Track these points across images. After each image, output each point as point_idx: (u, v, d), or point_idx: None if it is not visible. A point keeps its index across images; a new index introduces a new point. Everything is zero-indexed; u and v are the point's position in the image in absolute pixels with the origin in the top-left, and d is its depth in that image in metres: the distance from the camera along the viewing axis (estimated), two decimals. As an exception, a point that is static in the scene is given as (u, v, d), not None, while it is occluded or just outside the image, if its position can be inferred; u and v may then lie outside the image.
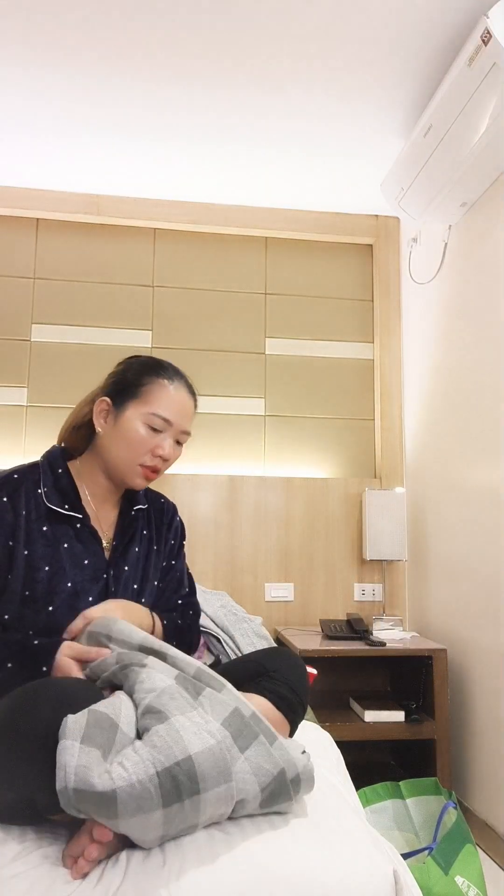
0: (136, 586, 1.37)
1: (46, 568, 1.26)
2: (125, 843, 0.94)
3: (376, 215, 3.02)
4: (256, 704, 1.19)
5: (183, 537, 1.54)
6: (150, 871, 0.88)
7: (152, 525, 1.46)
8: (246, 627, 2.15)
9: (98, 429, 1.35)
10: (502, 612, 2.05)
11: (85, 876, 0.89)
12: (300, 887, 0.88)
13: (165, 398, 1.35)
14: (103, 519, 1.38)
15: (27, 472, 1.32)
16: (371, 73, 2.10)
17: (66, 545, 1.28)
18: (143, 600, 1.38)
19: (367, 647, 2.30)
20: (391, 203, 2.46)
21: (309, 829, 0.98)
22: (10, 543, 1.26)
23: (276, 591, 2.73)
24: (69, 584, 1.26)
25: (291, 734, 1.28)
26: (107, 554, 1.34)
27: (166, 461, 1.36)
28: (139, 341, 2.87)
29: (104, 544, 1.35)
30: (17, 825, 1.03)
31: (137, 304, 2.91)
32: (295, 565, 2.76)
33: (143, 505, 1.46)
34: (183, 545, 1.54)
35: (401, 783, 2.03)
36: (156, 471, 1.36)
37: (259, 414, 2.91)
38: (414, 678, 2.40)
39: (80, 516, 1.31)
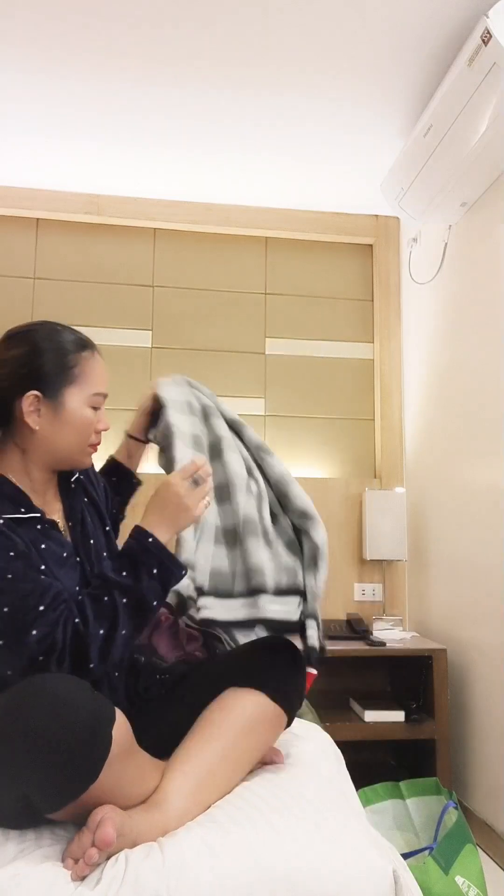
0: (105, 553, 1.33)
1: (42, 568, 1.20)
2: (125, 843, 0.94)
3: (376, 215, 3.02)
4: (252, 700, 1.20)
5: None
6: (149, 871, 0.88)
7: (90, 489, 1.40)
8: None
9: (34, 426, 1.19)
10: (502, 612, 2.05)
11: (84, 877, 0.90)
12: (300, 886, 0.88)
13: (99, 372, 1.27)
14: (49, 508, 1.28)
15: None
16: (371, 72, 2.10)
17: (42, 546, 1.19)
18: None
19: (367, 647, 2.30)
20: (391, 203, 2.46)
21: (309, 828, 0.98)
22: (11, 554, 1.16)
23: (276, 591, 2.72)
24: (59, 582, 1.22)
25: (289, 724, 1.28)
26: (69, 538, 1.28)
27: (105, 431, 1.31)
28: (139, 341, 2.87)
29: (63, 531, 1.28)
30: (16, 829, 1.03)
31: (137, 304, 2.91)
32: (295, 565, 2.76)
33: (77, 474, 1.37)
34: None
35: (401, 783, 2.03)
36: (98, 444, 1.30)
37: (259, 414, 2.91)
38: (414, 678, 2.40)
39: (38, 514, 1.21)
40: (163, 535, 1.18)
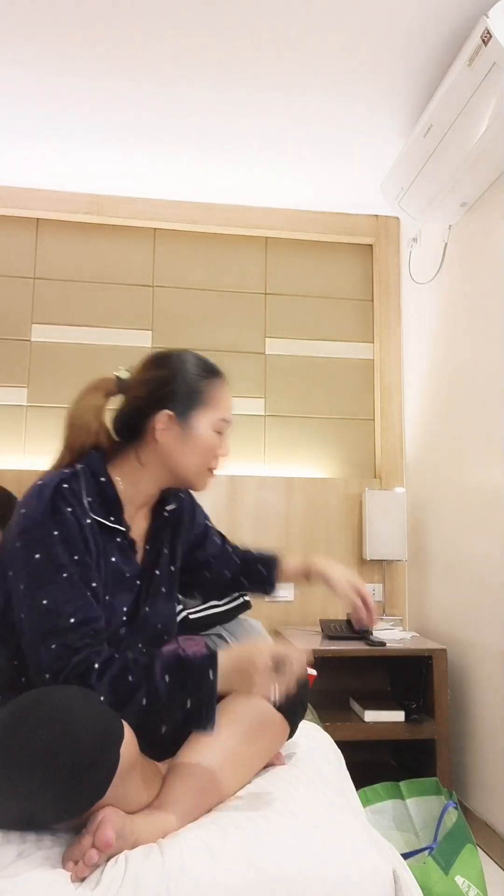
0: (164, 589, 1.33)
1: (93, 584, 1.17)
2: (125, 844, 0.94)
3: (376, 215, 3.02)
4: (256, 706, 1.20)
5: (205, 517, 1.52)
6: (149, 872, 0.88)
7: (179, 524, 1.42)
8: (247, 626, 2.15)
9: (162, 444, 1.26)
10: (502, 612, 2.05)
11: (84, 879, 0.90)
12: (300, 887, 0.88)
13: (227, 399, 1.33)
14: (136, 525, 1.32)
15: (71, 480, 1.21)
16: (371, 72, 2.10)
17: (112, 559, 1.21)
18: (171, 601, 1.35)
19: (367, 647, 2.30)
20: (391, 203, 2.46)
21: (309, 828, 0.98)
22: (77, 557, 1.17)
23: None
24: (107, 598, 1.21)
25: (291, 734, 1.28)
26: (139, 560, 1.30)
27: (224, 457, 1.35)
28: (139, 341, 2.87)
29: (138, 552, 1.30)
30: (17, 830, 1.03)
31: (137, 304, 2.91)
32: (295, 565, 2.76)
33: (174, 505, 1.41)
34: (209, 525, 1.52)
35: (401, 783, 2.03)
36: (216, 469, 1.34)
37: (259, 414, 2.91)
38: (414, 678, 2.40)
39: (123, 529, 1.25)
40: (222, 684, 1.08)
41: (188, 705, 1.05)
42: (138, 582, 1.27)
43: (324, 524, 2.80)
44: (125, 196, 2.88)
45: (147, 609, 1.28)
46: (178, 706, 1.04)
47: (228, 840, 0.94)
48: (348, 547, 2.80)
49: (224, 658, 1.09)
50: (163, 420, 1.26)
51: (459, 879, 1.55)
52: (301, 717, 1.28)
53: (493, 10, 1.74)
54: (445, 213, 2.38)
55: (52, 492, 1.17)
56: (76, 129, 2.41)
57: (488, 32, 1.73)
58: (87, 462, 1.26)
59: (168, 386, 1.28)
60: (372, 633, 2.44)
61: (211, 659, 1.08)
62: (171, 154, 2.57)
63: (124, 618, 1.23)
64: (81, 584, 1.12)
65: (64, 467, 1.25)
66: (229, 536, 1.60)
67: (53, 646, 1.05)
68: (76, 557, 1.13)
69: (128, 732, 0.98)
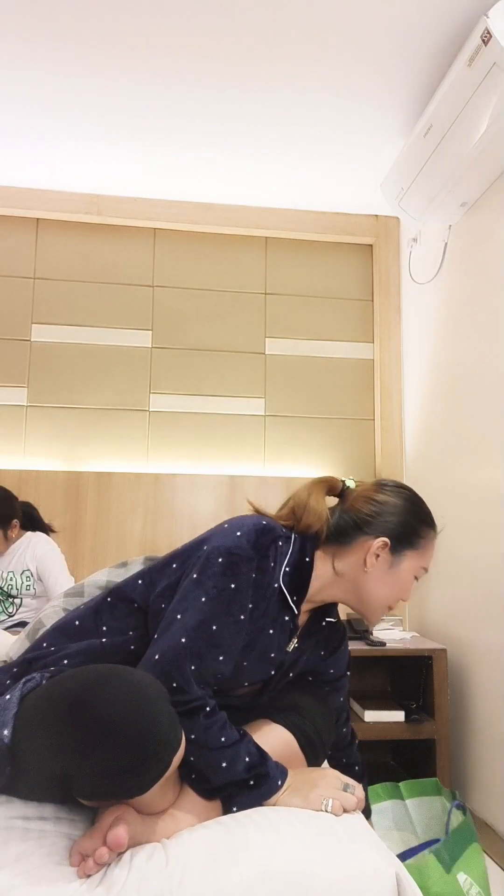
0: (286, 683, 1.33)
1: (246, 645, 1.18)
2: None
3: (376, 215, 3.02)
4: (281, 738, 1.20)
5: (348, 668, 1.44)
6: (153, 871, 0.88)
7: (325, 640, 1.40)
8: None
9: (368, 568, 1.26)
10: (502, 612, 2.05)
11: (89, 876, 0.90)
12: (302, 887, 0.88)
13: (432, 551, 1.34)
14: (301, 618, 1.31)
15: (285, 542, 1.23)
16: (371, 73, 2.10)
17: (271, 631, 1.20)
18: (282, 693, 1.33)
19: (367, 647, 2.30)
20: (391, 203, 2.46)
21: (311, 829, 0.98)
22: (252, 606, 1.17)
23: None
24: (245, 664, 1.20)
25: None
26: (290, 650, 1.28)
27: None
28: (139, 341, 2.87)
29: (292, 642, 1.29)
30: (36, 800, 1.04)
31: (137, 304, 2.90)
32: (295, 565, 2.76)
33: (334, 619, 1.40)
34: (346, 676, 1.43)
35: (400, 784, 2.03)
36: (393, 609, 1.34)
37: (259, 414, 2.91)
38: (414, 678, 2.40)
39: (296, 614, 1.23)
40: (285, 794, 1.09)
41: (229, 794, 1.06)
42: (273, 672, 1.26)
43: (324, 524, 2.80)
44: (125, 196, 2.88)
45: (265, 699, 1.28)
46: (236, 786, 1.06)
47: (232, 842, 0.94)
48: (348, 547, 2.79)
49: (300, 771, 1.12)
50: (380, 546, 1.27)
51: (462, 877, 1.54)
52: (320, 762, 1.27)
53: (493, 10, 1.74)
54: (445, 213, 2.38)
55: (269, 539, 1.19)
56: (76, 129, 2.41)
57: (488, 32, 1.73)
58: (303, 537, 1.26)
59: (395, 517, 1.29)
60: (372, 633, 2.44)
61: (282, 768, 1.10)
62: (171, 154, 2.56)
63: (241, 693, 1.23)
64: (243, 635, 1.13)
65: (283, 525, 1.27)
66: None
67: (192, 667, 1.06)
68: (251, 607, 1.14)
69: (182, 747, 0.98)
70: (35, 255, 2.87)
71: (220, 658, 1.10)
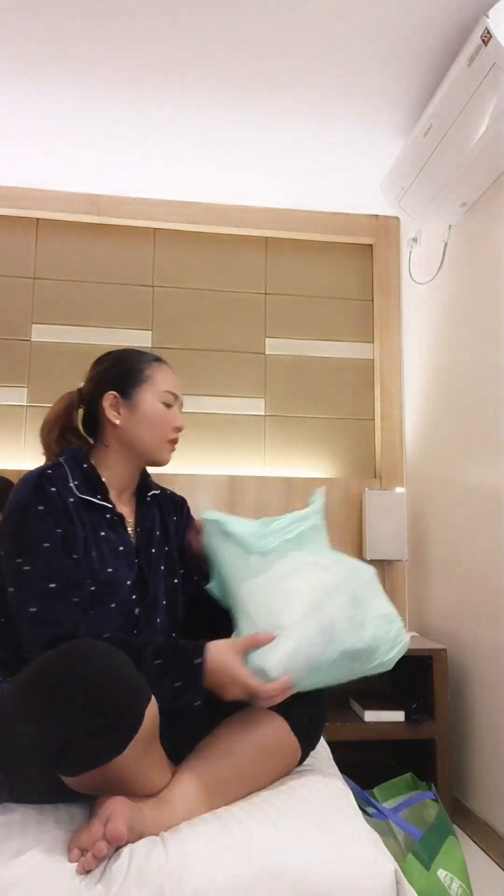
0: (163, 567, 1.41)
1: (94, 553, 1.29)
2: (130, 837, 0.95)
3: (376, 215, 3.02)
4: (274, 726, 1.20)
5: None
6: (152, 867, 0.88)
7: (164, 513, 1.51)
8: None
9: (115, 422, 1.40)
10: (502, 612, 2.05)
11: (88, 872, 0.90)
12: (302, 884, 0.88)
13: (168, 375, 1.46)
14: (123, 509, 1.42)
15: (55, 468, 1.34)
16: (371, 72, 2.10)
17: (102, 533, 1.32)
18: (175, 581, 1.43)
19: (368, 647, 2.30)
20: (391, 203, 2.46)
21: (311, 827, 0.98)
22: (60, 531, 1.26)
23: (276, 591, 2.72)
24: (109, 570, 1.29)
25: (301, 761, 1.28)
26: (133, 540, 1.39)
27: (180, 431, 1.45)
28: (139, 341, 2.87)
29: (129, 532, 1.40)
30: (33, 803, 1.06)
31: (137, 304, 2.91)
32: (295, 565, 2.76)
33: (157, 490, 1.52)
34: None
35: (374, 789, 1.98)
36: (176, 442, 1.45)
37: (259, 414, 2.91)
38: (414, 678, 2.40)
39: (110, 506, 1.36)
40: (208, 677, 1.15)
41: (178, 685, 1.13)
42: (136, 560, 1.35)
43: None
44: (125, 196, 2.88)
45: (151, 586, 1.35)
46: (166, 686, 1.12)
47: (231, 838, 0.94)
48: (348, 547, 2.79)
49: (212, 654, 1.16)
50: (108, 400, 1.41)
51: (441, 873, 1.52)
52: (313, 748, 1.29)
53: (493, 10, 1.74)
54: (445, 213, 2.38)
55: (37, 476, 1.29)
56: (76, 129, 2.41)
57: (488, 32, 1.73)
58: (69, 455, 1.39)
59: (108, 373, 1.44)
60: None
61: (202, 647, 1.16)
62: (171, 154, 2.57)
63: (134, 596, 1.30)
64: (64, 554, 1.22)
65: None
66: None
67: (33, 609, 1.14)
68: (59, 530, 1.23)
69: (153, 700, 1.04)
70: (35, 255, 2.87)
71: (52, 584, 1.18)
